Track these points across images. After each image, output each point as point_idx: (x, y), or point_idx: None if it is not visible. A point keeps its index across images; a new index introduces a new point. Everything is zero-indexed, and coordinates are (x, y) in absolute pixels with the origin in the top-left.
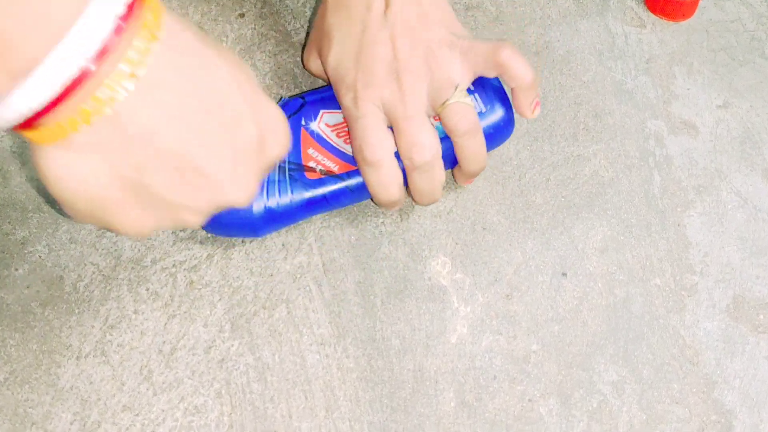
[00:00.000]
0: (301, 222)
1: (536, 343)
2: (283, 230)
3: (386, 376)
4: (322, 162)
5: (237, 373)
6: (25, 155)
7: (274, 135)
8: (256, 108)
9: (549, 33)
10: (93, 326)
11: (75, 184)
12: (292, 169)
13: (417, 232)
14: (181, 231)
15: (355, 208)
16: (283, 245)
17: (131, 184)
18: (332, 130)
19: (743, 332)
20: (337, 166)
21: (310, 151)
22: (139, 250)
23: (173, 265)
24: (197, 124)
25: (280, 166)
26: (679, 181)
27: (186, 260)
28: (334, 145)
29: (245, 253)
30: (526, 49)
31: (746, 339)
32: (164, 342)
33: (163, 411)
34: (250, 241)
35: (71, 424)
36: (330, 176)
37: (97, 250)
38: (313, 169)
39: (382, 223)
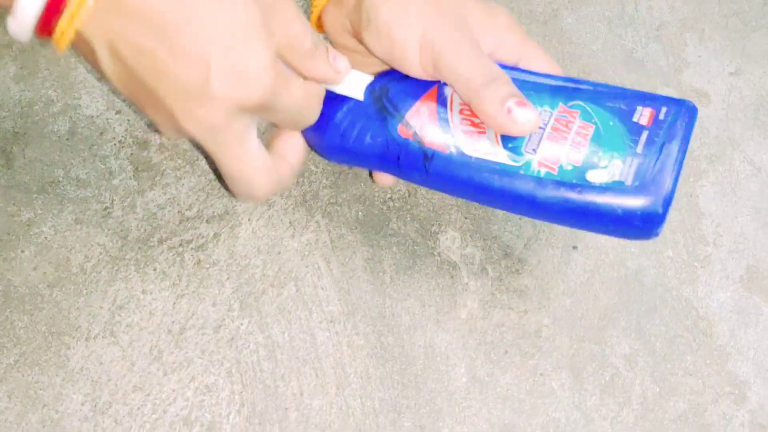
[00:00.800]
0: (308, 198)
1: (547, 317)
2: (290, 208)
3: (397, 353)
4: (423, 126)
5: (247, 352)
6: (28, 136)
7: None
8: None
9: (557, 1)
10: (101, 307)
11: (111, 78)
12: (392, 113)
13: (425, 207)
14: (186, 210)
15: (362, 184)
16: (290, 223)
17: (130, 75)
18: (460, 105)
19: (757, 303)
20: (433, 140)
21: (423, 109)
22: (145, 229)
23: (180, 245)
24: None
25: (382, 99)
26: (691, 150)
27: (193, 239)
28: (449, 120)
29: (252, 231)
30: (533, 18)
31: (760, 310)
32: (173, 322)
33: (173, 390)
34: (257, 219)
35: (82, 405)
36: (417, 143)
37: (104, 230)
38: (408, 126)
39: (390, 198)
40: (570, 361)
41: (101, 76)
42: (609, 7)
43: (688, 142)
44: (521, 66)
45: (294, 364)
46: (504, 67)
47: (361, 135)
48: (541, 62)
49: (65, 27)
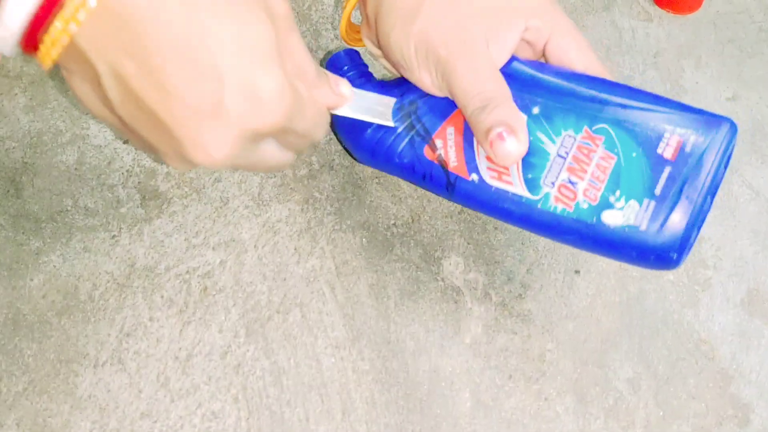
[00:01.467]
0: (312, 225)
1: (551, 341)
2: (295, 234)
3: (401, 378)
4: (449, 150)
5: (253, 378)
6: (37, 166)
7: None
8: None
9: None
10: (109, 334)
11: (89, 105)
12: (420, 133)
13: (429, 233)
14: (193, 237)
15: (366, 211)
16: (295, 249)
17: (135, 99)
18: None
19: (758, 326)
20: (457, 164)
21: (450, 130)
22: (152, 257)
23: (187, 272)
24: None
25: (410, 116)
26: None
27: (199, 266)
28: (473, 145)
29: (258, 258)
30: None
31: (761, 332)
32: (180, 348)
33: (180, 417)
34: (263, 246)
35: None
36: (441, 166)
37: (111, 258)
38: (434, 148)
39: (394, 224)
40: (574, 385)
41: (89, 105)
42: (606, 35)
43: (719, 169)
44: (552, 47)
45: (300, 389)
46: (529, 64)
47: (390, 150)
48: (571, 43)
49: (58, 33)
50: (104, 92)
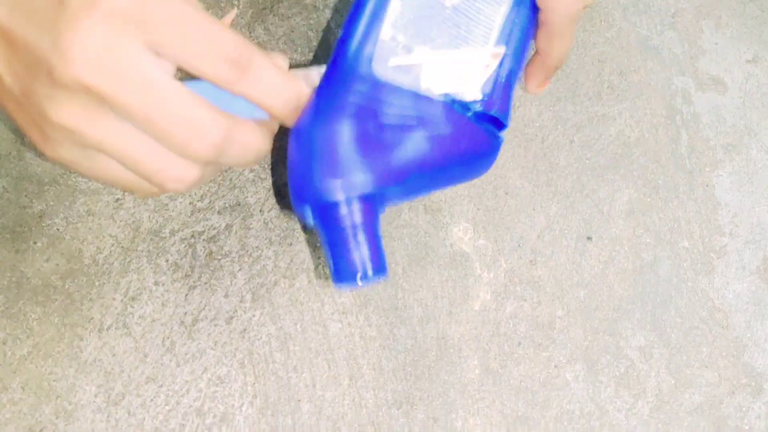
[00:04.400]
0: None
1: (561, 308)
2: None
3: (409, 344)
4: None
5: (259, 343)
6: None
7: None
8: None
9: None
10: (114, 299)
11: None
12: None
13: (437, 198)
14: (198, 201)
15: None
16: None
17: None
18: None
19: None
20: None
21: None
22: (157, 221)
23: (192, 236)
24: None
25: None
26: (708, 139)
27: (205, 230)
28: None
29: (264, 222)
30: None
31: None
32: (186, 313)
33: (186, 382)
34: (269, 210)
35: (95, 396)
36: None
37: (115, 221)
38: None
39: None
40: (584, 353)
41: None
42: None
43: None
44: None
45: (306, 355)
46: None
47: None
48: None
49: None
50: None
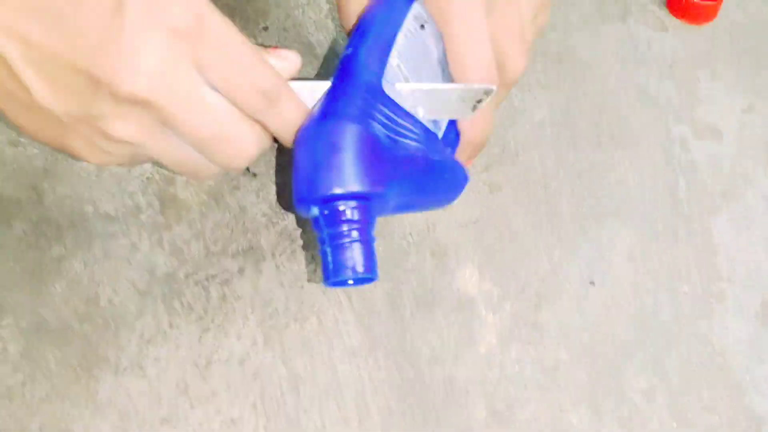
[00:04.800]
0: None
1: (565, 351)
2: (312, 242)
3: (417, 387)
4: None
5: (271, 385)
6: (58, 172)
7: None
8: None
9: (571, 39)
10: (129, 341)
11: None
12: None
13: (443, 242)
14: (212, 244)
15: (381, 219)
16: (312, 257)
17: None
18: None
19: None
20: None
21: None
22: (172, 264)
23: (206, 279)
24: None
25: None
26: (705, 186)
27: (218, 274)
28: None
29: (276, 266)
30: (548, 55)
31: None
32: (199, 355)
33: (200, 424)
34: (280, 254)
35: None
36: None
37: (132, 264)
38: None
39: (409, 233)
40: (588, 396)
41: (8, 113)
42: (622, 45)
43: None
44: None
45: (317, 397)
46: None
47: None
48: None
49: None
50: (17, 78)
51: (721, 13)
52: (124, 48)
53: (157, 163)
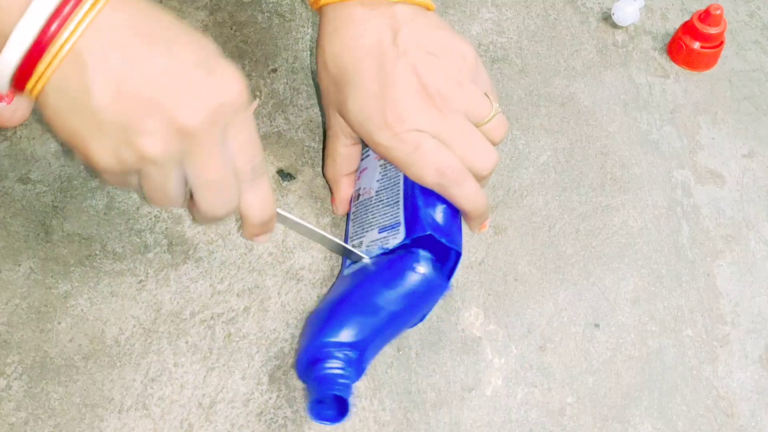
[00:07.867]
0: (335, 273)
1: (571, 395)
2: (318, 282)
3: (422, 430)
4: None
5: (275, 426)
6: (66, 210)
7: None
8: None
9: (574, 84)
10: (134, 379)
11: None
12: None
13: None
14: (218, 283)
15: None
16: (318, 297)
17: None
18: None
19: None
20: None
21: None
22: (178, 302)
23: (211, 318)
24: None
25: None
26: (708, 230)
27: (224, 312)
28: None
29: (281, 305)
30: (552, 99)
31: None
32: (204, 395)
33: None
34: (286, 293)
35: None
36: None
37: (138, 302)
38: None
39: None
40: None
41: (74, 128)
42: (624, 91)
43: None
44: None
45: None
46: None
47: None
48: None
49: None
50: (87, 87)
51: (721, 60)
52: (195, 89)
53: (140, 192)
